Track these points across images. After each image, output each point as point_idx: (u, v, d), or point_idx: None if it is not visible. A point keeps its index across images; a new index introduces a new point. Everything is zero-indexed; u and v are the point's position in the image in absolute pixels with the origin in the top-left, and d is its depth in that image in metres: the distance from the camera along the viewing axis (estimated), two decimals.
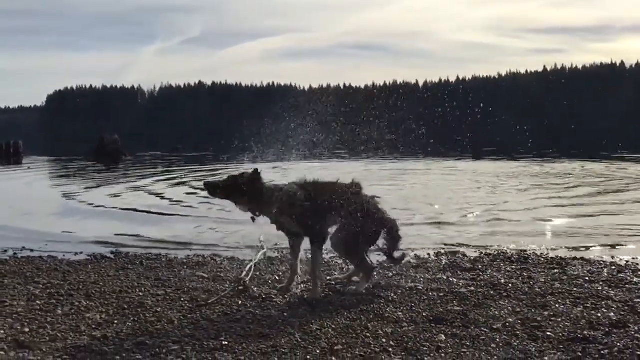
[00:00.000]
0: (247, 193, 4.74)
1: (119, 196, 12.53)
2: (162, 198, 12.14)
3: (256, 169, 4.80)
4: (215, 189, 4.86)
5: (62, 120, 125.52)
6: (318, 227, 4.75)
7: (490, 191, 12.32)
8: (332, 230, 4.85)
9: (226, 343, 3.67)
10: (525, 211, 9.37)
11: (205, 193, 5.45)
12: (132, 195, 12.66)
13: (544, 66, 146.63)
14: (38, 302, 4.60)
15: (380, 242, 4.97)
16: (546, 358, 3.32)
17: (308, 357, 3.43)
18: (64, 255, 6.52)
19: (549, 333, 3.73)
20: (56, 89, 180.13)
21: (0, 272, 5.67)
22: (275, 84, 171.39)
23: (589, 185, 12.86)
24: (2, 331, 3.91)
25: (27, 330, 3.94)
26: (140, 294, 4.84)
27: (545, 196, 11.19)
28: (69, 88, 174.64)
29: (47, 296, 4.77)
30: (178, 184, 14.80)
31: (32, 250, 6.84)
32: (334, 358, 3.40)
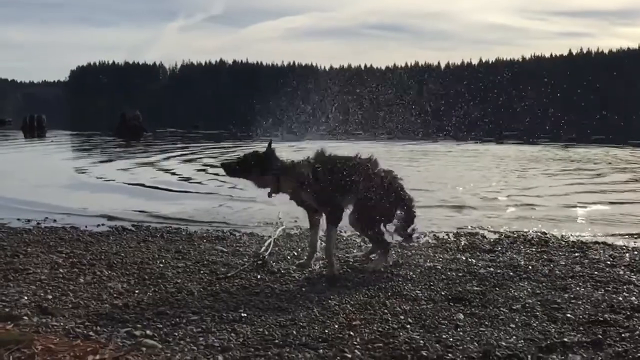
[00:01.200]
0: (263, 169, 4.73)
1: (133, 171, 12.73)
2: (173, 174, 12.33)
3: (270, 143, 4.78)
4: (232, 169, 4.85)
5: (85, 96, 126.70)
6: (334, 203, 4.74)
7: (518, 175, 12.17)
8: (349, 207, 4.84)
9: (245, 315, 3.70)
10: (556, 197, 9.19)
11: (215, 170, 5.49)
12: (145, 171, 12.85)
13: (570, 50, 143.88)
14: (61, 270, 4.68)
15: (396, 218, 4.95)
16: (566, 339, 3.28)
17: (326, 331, 3.44)
18: (85, 227, 6.62)
19: (569, 315, 3.70)
20: (79, 64, 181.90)
21: (24, 240, 5.78)
22: (297, 63, 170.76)
23: (620, 171, 12.62)
24: (26, 297, 3.98)
25: (50, 297, 4.02)
26: (161, 265, 4.90)
27: (575, 182, 11.00)
28: (91, 64, 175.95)
29: (70, 265, 4.85)
30: (191, 161, 14.96)
31: (54, 221, 6.96)
32: (352, 333, 3.41)
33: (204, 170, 12.82)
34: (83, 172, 12.53)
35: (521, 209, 8.10)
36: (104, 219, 7.19)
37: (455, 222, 7.12)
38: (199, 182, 10.81)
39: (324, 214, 4.82)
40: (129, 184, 10.84)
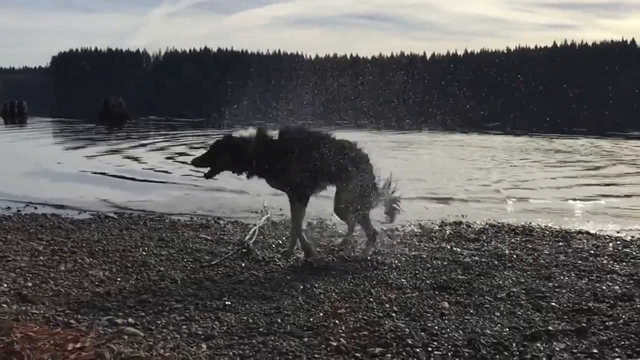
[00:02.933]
0: (227, 157, 4.66)
1: (100, 159, 12.58)
2: (141, 162, 12.13)
3: (228, 134, 4.76)
4: (201, 163, 4.78)
5: (67, 82, 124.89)
6: (297, 181, 4.64)
7: (508, 166, 12.10)
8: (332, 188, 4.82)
9: (229, 303, 3.66)
10: (553, 189, 9.10)
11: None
12: (113, 158, 12.69)
13: (554, 42, 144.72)
14: (41, 257, 4.60)
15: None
16: (550, 327, 3.29)
17: (311, 319, 3.42)
18: (67, 214, 6.51)
19: (553, 303, 3.71)
20: (61, 50, 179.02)
21: (4, 228, 5.68)
22: (282, 52, 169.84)
23: (617, 163, 12.63)
24: (5, 285, 3.91)
25: (29, 284, 3.95)
26: (144, 253, 4.84)
27: (575, 174, 10.86)
28: (74, 50, 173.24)
29: (50, 252, 4.76)
30: (164, 149, 14.84)
31: (35, 208, 6.84)
32: (337, 321, 3.39)
33: (171, 158, 12.70)
34: (49, 160, 12.18)
35: (521, 203, 7.88)
36: (57, 208, 6.92)
37: (448, 214, 7.04)
38: (166, 172, 10.50)
39: (286, 192, 4.79)
40: (92, 172, 10.49)
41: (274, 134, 4.73)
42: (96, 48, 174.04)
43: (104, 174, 10.33)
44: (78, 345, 2.87)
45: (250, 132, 4.75)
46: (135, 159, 12.81)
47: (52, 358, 2.73)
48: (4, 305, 3.50)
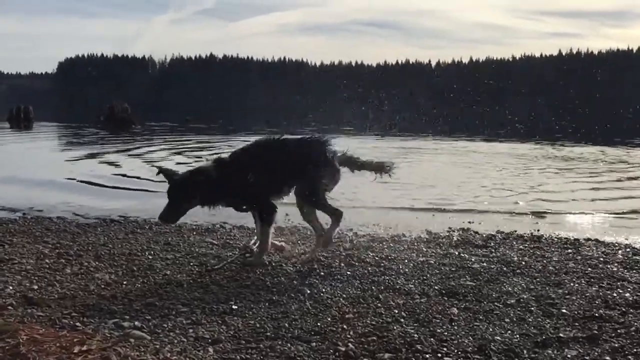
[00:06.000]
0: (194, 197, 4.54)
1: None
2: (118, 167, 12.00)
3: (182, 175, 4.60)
4: (172, 216, 4.56)
5: (73, 88, 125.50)
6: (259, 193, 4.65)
7: (517, 173, 11.91)
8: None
9: (236, 307, 3.63)
10: (562, 196, 8.86)
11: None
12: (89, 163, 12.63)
13: (559, 50, 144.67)
14: (47, 261, 4.59)
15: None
16: (561, 334, 3.25)
17: (319, 324, 3.38)
18: (73, 218, 6.51)
19: (564, 310, 3.67)
20: (67, 55, 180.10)
21: (10, 230, 5.67)
22: (287, 59, 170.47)
23: (627, 171, 12.44)
24: (11, 287, 3.89)
25: (35, 287, 3.93)
26: (150, 257, 4.81)
27: (581, 181, 10.73)
28: (80, 56, 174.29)
29: (56, 256, 4.75)
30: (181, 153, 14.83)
31: (41, 211, 6.84)
32: (345, 326, 3.35)
33: (185, 163, 12.60)
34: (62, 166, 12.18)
35: (529, 210, 7.69)
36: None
37: (456, 220, 6.97)
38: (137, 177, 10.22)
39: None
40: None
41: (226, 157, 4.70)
42: (102, 54, 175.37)
43: (124, 175, 10.39)
44: (84, 348, 2.85)
45: (204, 163, 4.73)
46: (149, 162, 12.80)
47: None
48: (9, 307, 3.48)
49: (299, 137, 5.01)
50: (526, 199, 8.58)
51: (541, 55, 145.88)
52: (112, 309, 3.52)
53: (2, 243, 5.10)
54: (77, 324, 3.25)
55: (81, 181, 9.70)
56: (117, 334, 3.12)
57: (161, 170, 4.61)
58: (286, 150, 4.74)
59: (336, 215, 4.88)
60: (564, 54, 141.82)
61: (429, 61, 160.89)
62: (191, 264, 4.64)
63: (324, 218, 4.97)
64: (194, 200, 4.53)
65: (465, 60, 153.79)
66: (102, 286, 4.00)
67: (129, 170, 11.32)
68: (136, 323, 3.29)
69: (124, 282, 4.10)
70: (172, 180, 4.51)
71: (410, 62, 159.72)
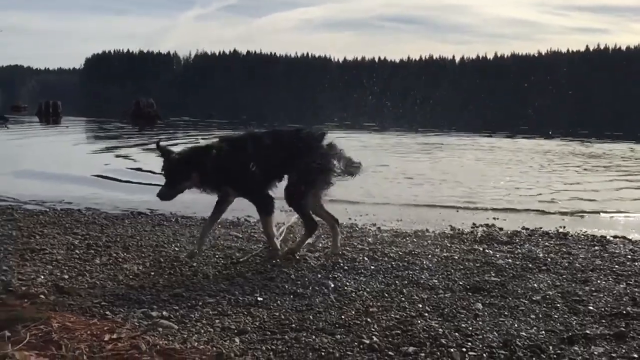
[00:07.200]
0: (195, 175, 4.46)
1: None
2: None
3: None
4: (172, 192, 4.49)
5: (100, 83, 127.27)
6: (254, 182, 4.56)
7: (544, 171, 11.74)
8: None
9: (261, 299, 3.68)
10: (590, 194, 8.76)
11: None
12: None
13: (587, 46, 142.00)
14: (77, 251, 4.69)
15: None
16: (588, 331, 3.22)
17: (343, 317, 3.40)
18: (101, 210, 6.64)
19: (590, 307, 3.63)
20: (94, 52, 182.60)
21: (40, 222, 5.80)
22: (310, 54, 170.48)
23: None
24: (43, 276, 3.99)
25: (66, 276, 4.02)
26: (176, 248, 4.89)
27: (611, 179, 10.57)
28: (106, 52, 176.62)
29: (86, 246, 4.85)
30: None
31: (70, 203, 6.98)
32: (369, 319, 3.37)
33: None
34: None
35: (556, 207, 7.64)
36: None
37: (480, 216, 6.94)
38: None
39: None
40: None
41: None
42: (128, 50, 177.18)
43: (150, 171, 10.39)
44: (114, 336, 2.91)
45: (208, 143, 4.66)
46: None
47: (89, 348, 2.77)
48: (41, 296, 3.57)
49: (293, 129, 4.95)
50: (559, 197, 8.52)
51: (567, 50, 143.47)
52: (140, 299, 3.59)
53: (34, 234, 5.23)
54: (107, 312, 3.32)
55: (105, 176, 9.89)
56: (145, 323, 3.18)
57: (159, 147, 4.55)
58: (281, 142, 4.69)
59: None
60: (591, 49, 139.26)
61: (453, 57, 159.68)
62: (217, 256, 4.69)
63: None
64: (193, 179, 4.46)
65: (490, 55, 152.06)
66: (131, 277, 4.07)
67: (155, 165, 11.41)
68: (164, 313, 3.35)
69: (152, 273, 4.17)
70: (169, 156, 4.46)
71: (434, 58, 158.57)
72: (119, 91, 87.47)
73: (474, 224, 6.36)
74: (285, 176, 4.68)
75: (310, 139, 4.72)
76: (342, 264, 4.52)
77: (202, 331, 3.13)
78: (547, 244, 5.39)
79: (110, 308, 3.40)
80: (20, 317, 3.04)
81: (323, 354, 2.92)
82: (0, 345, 2.68)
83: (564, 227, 6.19)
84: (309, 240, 5.00)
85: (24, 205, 6.88)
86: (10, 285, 3.75)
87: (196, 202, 7.21)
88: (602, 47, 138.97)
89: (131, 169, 10.96)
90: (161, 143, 4.69)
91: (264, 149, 4.59)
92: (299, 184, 4.62)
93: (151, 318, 3.26)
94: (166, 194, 4.44)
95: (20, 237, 5.10)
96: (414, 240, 5.42)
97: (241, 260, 4.57)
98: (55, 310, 3.29)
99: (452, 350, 2.97)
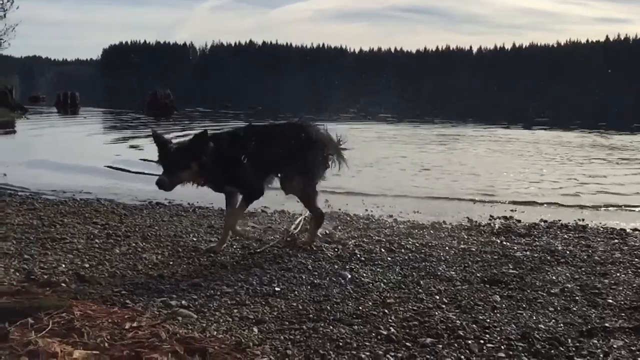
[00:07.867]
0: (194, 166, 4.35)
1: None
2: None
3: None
4: (175, 178, 4.36)
5: (117, 74, 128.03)
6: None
7: (565, 163, 11.60)
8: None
9: (279, 290, 3.70)
10: (609, 186, 8.65)
11: None
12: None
13: (607, 36, 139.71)
14: (97, 240, 4.75)
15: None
16: (607, 324, 3.20)
17: (360, 307, 3.41)
18: (119, 200, 6.71)
19: (610, 300, 3.61)
20: (112, 43, 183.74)
21: (61, 211, 5.88)
22: (325, 45, 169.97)
23: None
24: (64, 265, 4.05)
25: (87, 265, 4.08)
26: (194, 239, 4.93)
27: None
28: (123, 43, 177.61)
29: (105, 236, 4.91)
30: None
31: (89, 193, 7.06)
32: (386, 310, 3.38)
33: None
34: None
35: (575, 199, 7.60)
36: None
37: (498, 208, 6.90)
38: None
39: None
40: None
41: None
42: (145, 41, 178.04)
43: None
44: (135, 324, 2.95)
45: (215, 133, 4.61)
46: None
47: (110, 336, 2.81)
48: (63, 284, 3.63)
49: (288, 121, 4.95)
50: (583, 190, 8.41)
51: (587, 41, 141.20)
52: (159, 288, 3.63)
53: (54, 223, 5.30)
54: (127, 301, 3.37)
55: (116, 167, 9.94)
56: (165, 311, 3.22)
57: (154, 135, 4.50)
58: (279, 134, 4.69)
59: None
60: (611, 39, 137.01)
61: (470, 47, 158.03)
62: (234, 246, 4.73)
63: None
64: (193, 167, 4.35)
65: (508, 46, 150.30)
66: (150, 266, 4.12)
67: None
68: (183, 302, 3.39)
69: (170, 263, 4.22)
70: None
71: (451, 48, 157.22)
72: (136, 82, 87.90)
73: (491, 216, 6.33)
74: (285, 168, 4.68)
75: (307, 130, 4.73)
76: (359, 255, 4.53)
77: (221, 320, 3.16)
78: (565, 236, 5.35)
79: (130, 297, 3.45)
80: (43, 305, 3.09)
81: (341, 344, 2.93)
82: (23, 332, 2.73)
83: (583, 220, 6.14)
84: (321, 230, 5.03)
85: (44, 195, 6.98)
86: (33, 273, 3.81)
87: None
88: (622, 37, 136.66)
89: (143, 160, 11.02)
90: (157, 132, 4.65)
91: (261, 141, 4.58)
92: (299, 175, 4.65)
93: (170, 307, 3.30)
94: (165, 182, 4.28)
95: (41, 226, 5.17)
96: (431, 232, 5.42)
97: (258, 250, 4.61)
98: (77, 299, 3.33)
99: (469, 342, 2.97)
